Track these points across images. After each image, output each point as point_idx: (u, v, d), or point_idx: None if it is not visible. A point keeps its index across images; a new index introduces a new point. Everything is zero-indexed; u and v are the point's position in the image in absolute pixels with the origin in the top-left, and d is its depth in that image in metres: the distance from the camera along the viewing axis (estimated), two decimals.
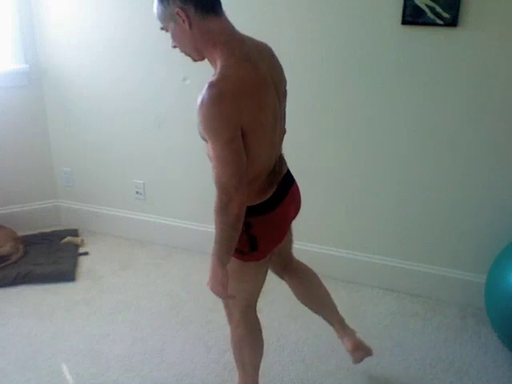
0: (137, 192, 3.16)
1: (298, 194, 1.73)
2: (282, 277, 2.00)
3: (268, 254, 1.64)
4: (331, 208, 2.71)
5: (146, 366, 2.19)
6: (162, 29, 1.47)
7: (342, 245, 2.78)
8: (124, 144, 3.09)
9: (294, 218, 1.76)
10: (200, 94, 1.33)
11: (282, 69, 1.58)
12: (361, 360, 2.05)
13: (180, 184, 3.04)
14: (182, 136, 2.93)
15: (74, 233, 3.27)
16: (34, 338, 2.35)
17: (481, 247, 2.49)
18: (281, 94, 1.54)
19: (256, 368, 1.84)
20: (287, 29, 2.48)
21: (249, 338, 1.76)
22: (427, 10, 2.23)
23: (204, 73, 2.79)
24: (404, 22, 2.29)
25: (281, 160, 1.64)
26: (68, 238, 3.15)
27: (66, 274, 2.81)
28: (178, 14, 1.36)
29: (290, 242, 1.93)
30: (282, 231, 1.66)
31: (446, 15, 2.21)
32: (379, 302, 2.64)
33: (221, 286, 1.49)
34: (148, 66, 2.87)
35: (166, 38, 2.74)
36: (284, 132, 1.66)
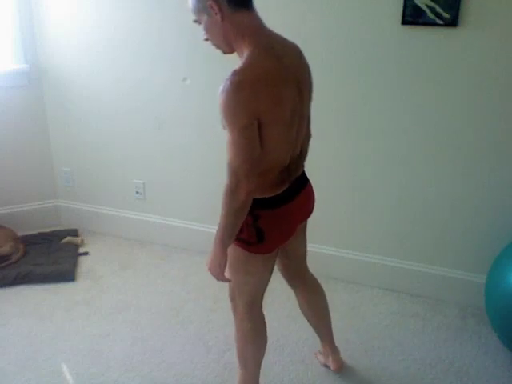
0: (137, 192, 3.16)
1: (311, 197, 1.75)
2: (292, 286, 2.00)
3: (274, 249, 1.65)
4: (331, 208, 2.71)
5: (145, 366, 2.19)
6: (195, 21, 1.51)
7: (342, 245, 2.78)
8: (124, 144, 3.09)
9: (305, 219, 1.77)
10: (223, 82, 1.37)
11: (309, 72, 1.61)
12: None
13: (180, 184, 3.04)
14: (182, 136, 2.93)
15: (74, 233, 3.27)
16: (34, 338, 2.35)
17: (481, 247, 2.49)
18: (305, 95, 1.56)
19: (258, 365, 1.85)
20: (287, 29, 2.47)
21: (253, 333, 1.78)
22: (427, 10, 2.23)
23: (204, 73, 2.79)
24: (404, 21, 2.29)
25: (299, 161, 1.66)
26: (68, 238, 3.15)
27: (66, 274, 2.81)
28: (211, 6, 1.41)
29: (304, 249, 1.93)
30: (289, 229, 1.67)
31: (445, 15, 2.21)
32: (379, 302, 2.64)
33: (219, 268, 1.54)
34: (148, 66, 2.87)
35: (166, 38, 2.75)
36: (309, 136, 1.69)
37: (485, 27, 2.21)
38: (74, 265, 2.91)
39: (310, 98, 1.61)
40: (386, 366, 2.20)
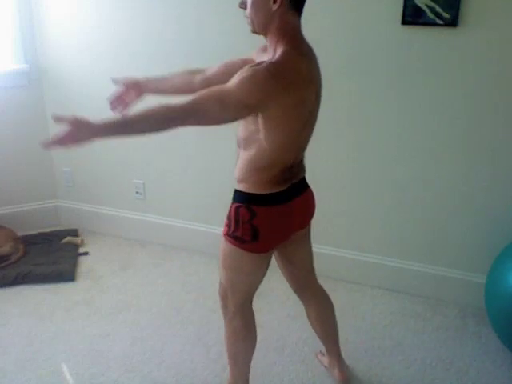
0: (137, 192, 3.16)
1: (311, 203, 1.75)
2: (302, 298, 1.98)
3: (268, 250, 1.65)
4: (331, 208, 2.71)
5: (145, 366, 2.19)
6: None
7: (342, 245, 2.78)
8: (124, 144, 3.07)
9: (304, 226, 1.76)
10: (255, 64, 1.40)
11: (321, 79, 1.63)
12: None
13: (180, 184, 3.04)
14: (181, 136, 2.93)
15: (74, 233, 3.27)
16: (34, 338, 2.35)
17: (481, 247, 2.49)
18: (319, 100, 1.60)
19: (247, 363, 1.85)
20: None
21: (243, 331, 1.77)
22: (427, 10, 2.23)
23: None
24: (404, 22, 2.29)
25: (300, 164, 1.67)
26: (68, 238, 3.15)
27: (66, 274, 2.81)
28: None
29: (311, 258, 1.92)
30: (285, 230, 1.66)
31: (446, 15, 2.21)
32: (379, 302, 2.64)
33: (82, 135, 1.35)
34: (148, 66, 2.87)
35: (166, 38, 2.74)
36: (308, 141, 1.68)
37: (485, 27, 2.21)
38: (74, 265, 2.91)
39: (319, 104, 1.64)
40: (386, 366, 2.20)
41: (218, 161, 2.89)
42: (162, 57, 2.80)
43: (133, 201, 3.19)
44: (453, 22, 2.21)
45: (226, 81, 1.42)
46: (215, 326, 2.42)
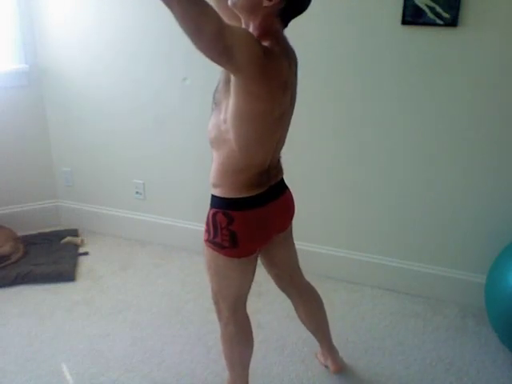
0: (137, 192, 3.16)
1: (290, 205, 1.73)
2: (288, 295, 1.98)
3: (249, 254, 1.62)
4: (331, 208, 2.71)
5: (145, 366, 2.19)
6: None
7: (342, 245, 2.78)
8: (124, 144, 3.09)
9: (284, 228, 1.75)
10: None
11: (297, 81, 1.59)
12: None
13: (180, 184, 3.04)
14: (181, 136, 2.93)
15: (74, 233, 3.27)
16: (34, 338, 2.35)
17: (481, 247, 2.49)
18: (293, 105, 1.56)
19: (245, 367, 1.85)
20: (287, 29, 2.48)
21: (238, 336, 1.77)
22: (427, 10, 2.23)
23: (204, 73, 2.79)
24: (404, 22, 2.29)
25: (277, 167, 1.65)
26: (68, 238, 3.15)
27: (66, 274, 2.81)
28: None
29: (294, 258, 1.91)
30: (264, 234, 1.63)
31: (446, 15, 2.21)
32: (379, 302, 2.64)
33: None
34: (148, 67, 2.87)
35: (166, 38, 2.74)
36: (283, 143, 1.65)
37: (485, 27, 2.21)
38: (74, 265, 2.91)
39: (293, 108, 1.59)
40: (386, 365, 2.20)
41: None
42: (161, 57, 2.80)
43: (133, 201, 3.19)
44: (453, 22, 2.21)
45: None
46: (215, 326, 2.40)
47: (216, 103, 1.52)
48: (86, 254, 3.07)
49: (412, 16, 2.26)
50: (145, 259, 3.03)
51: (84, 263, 2.97)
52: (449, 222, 2.54)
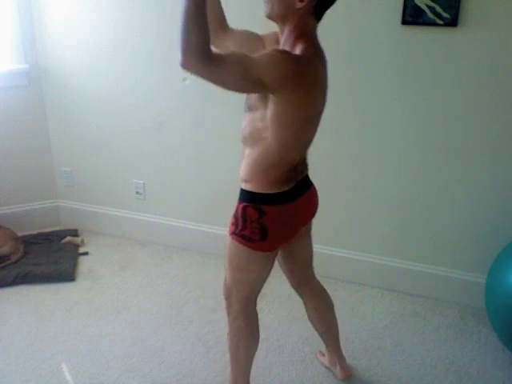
0: (137, 192, 3.16)
1: (315, 199, 1.76)
2: (300, 293, 1.99)
3: (276, 248, 1.66)
4: (331, 208, 2.71)
5: (145, 366, 2.19)
6: None
7: (343, 245, 2.78)
8: (124, 144, 3.09)
9: (308, 221, 1.78)
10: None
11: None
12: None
13: (180, 184, 3.04)
14: (182, 136, 2.93)
15: (74, 233, 3.27)
16: (34, 338, 2.35)
17: (481, 247, 2.49)
18: (325, 103, 1.60)
19: (249, 364, 1.85)
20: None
21: (246, 331, 1.78)
22: (427, 10, 2.23)
23: None
24: (404, 22, 2.29)
25: (304, 163, 1.69)
26: (68, 238, 3.15)
27: (66, 274, 2.81)
28: None
29: (310, 253, 1.93)
30: (292, 228, 1.68)
31: (446, 15, 2.21)
32: (379, 302, 2.64)
33: None
34: (148, 66, 2.87)
35: (166, 38, 2.74)
36: (312, 140, 1.69)
37: (485, 27, 2.21)
38: (74, 265, 2.91)
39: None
40: (386, 365, 2.20)
41: (218, 161, 2.89)
42: (161, 56, 2.80)
43: (133, 201, 3.19)
44: (453, 22, 2.21)
45: (237, 43, 1.51)
46: (215, 326, 2.42)
47: (249, 107, 1.55)
48: (85, 253, 3.07)
49: (412, 16, 2.26)
50: (145, 259, 3.03)
51: (84, 263, 2.97)
52: (449, 222, 2.54)
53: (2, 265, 2.85)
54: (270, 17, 1.50)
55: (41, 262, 2.90)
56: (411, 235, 2.63)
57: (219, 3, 1.69)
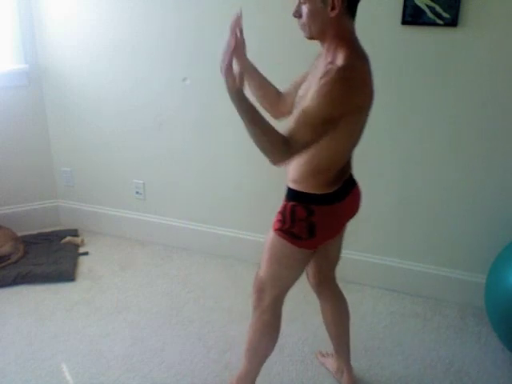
0: (137, 192, 3.16)
1: (358, 197, 1.78)
2: (318, 291, 1.99)
3: (318, 246, 1.68)
4: None
5: (145, 366, 2.19)
6: (301, 3, 1.50)
7: (343, 245, 2.77)
8: (124, 144, 3.09)
9: (350, 218, 1.79)
10: (325, 74, 1.41)
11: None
12: None
13: (180, 184, 3.04)
14: (182, 136, 2.93)
15: (74, 233, 3.27)
16: (34, 338, 2.35)
17: (481, 247, 2.49)
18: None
19: (264, 360, 1.86)
20: (286, 29, 2.48)
21: (271, 327, 1.79)
22: (427, 10, 2.23)
23: (204, 73, 2.78)
24: (404, 22, 2.29)
25: (349, 163, 1.72)
26: (68, 238, 3.15)
27: (66, 274, 2.81)
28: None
29: (339, 253, 1.95)
30: (338, 227, 1.73)
31: (446, 15, 2.21)
32: (379, 302, 2.64)
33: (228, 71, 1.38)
34: (148, 66, 2.87)
35: (166, 38, 2.75)
36: None
37: (485, 27, 2.21)
38: (74, 265, 2.91)
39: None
40: (386, 365, 2.20)
41: (218, 161, 2.89)
42: (161, 57, 2.80)
43: (133, 201, 3.19)
44: (453, 22, 2.21)
45: (295, 97, 1.56)
46: (215, 326, 2.42)
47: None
48: (85, 253, 3.07)
49: (412, 16, 2.26)
50: (145, 259, 3.03)
51: (84, 263, 2.97)
52: (449, 222, 2.54)
53: (2, 265, 2.85)
54: (311, 37, 1.54)
55: (41, 262, 2.90)
56: (411, 235, 2.63)
57: (263, 79, 1.76)
